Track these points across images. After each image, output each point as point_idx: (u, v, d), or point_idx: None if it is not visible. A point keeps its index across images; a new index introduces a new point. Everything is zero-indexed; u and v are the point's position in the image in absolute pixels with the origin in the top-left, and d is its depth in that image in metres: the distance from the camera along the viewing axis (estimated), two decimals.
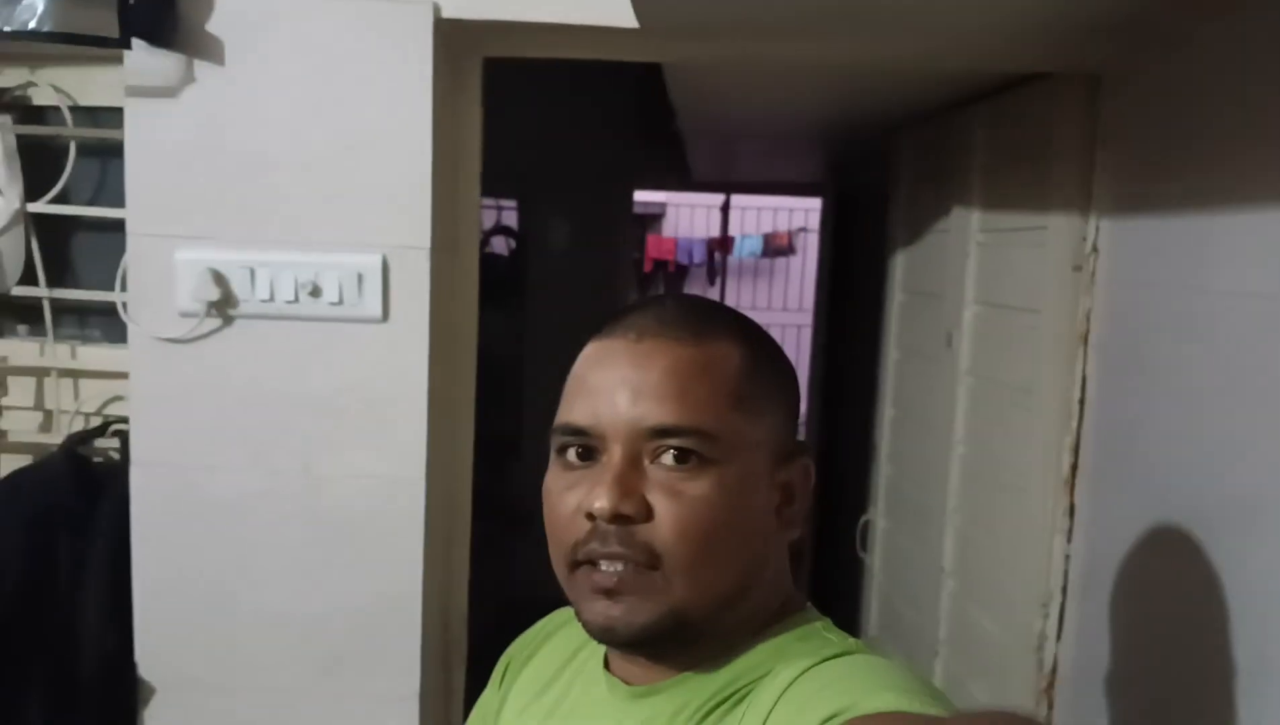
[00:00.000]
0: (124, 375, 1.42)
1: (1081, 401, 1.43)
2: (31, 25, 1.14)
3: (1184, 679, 1.15)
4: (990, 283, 1.73)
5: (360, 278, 1.33)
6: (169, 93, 1.30)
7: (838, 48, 1.39)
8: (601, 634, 0.74)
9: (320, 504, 1.39)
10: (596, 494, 0.71)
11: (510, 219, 3.92)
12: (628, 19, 1.26)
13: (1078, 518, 1.44)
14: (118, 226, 1.38)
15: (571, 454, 0.75)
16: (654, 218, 8.30)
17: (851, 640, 0.76)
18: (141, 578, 1.40)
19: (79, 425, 1.55)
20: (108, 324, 1.57)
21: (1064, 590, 1.47)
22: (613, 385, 0.73)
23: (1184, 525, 1.16)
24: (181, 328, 1.35)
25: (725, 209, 5.92)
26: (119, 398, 1.55)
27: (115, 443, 1.52)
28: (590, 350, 0.77)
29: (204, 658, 1.42)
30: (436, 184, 1.34)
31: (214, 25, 1.28)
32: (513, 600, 1.68)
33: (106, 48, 1.19)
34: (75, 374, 1.56)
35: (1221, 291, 1.11)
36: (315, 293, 1.33)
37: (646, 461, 0.72)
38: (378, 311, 1.34)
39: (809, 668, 0.69)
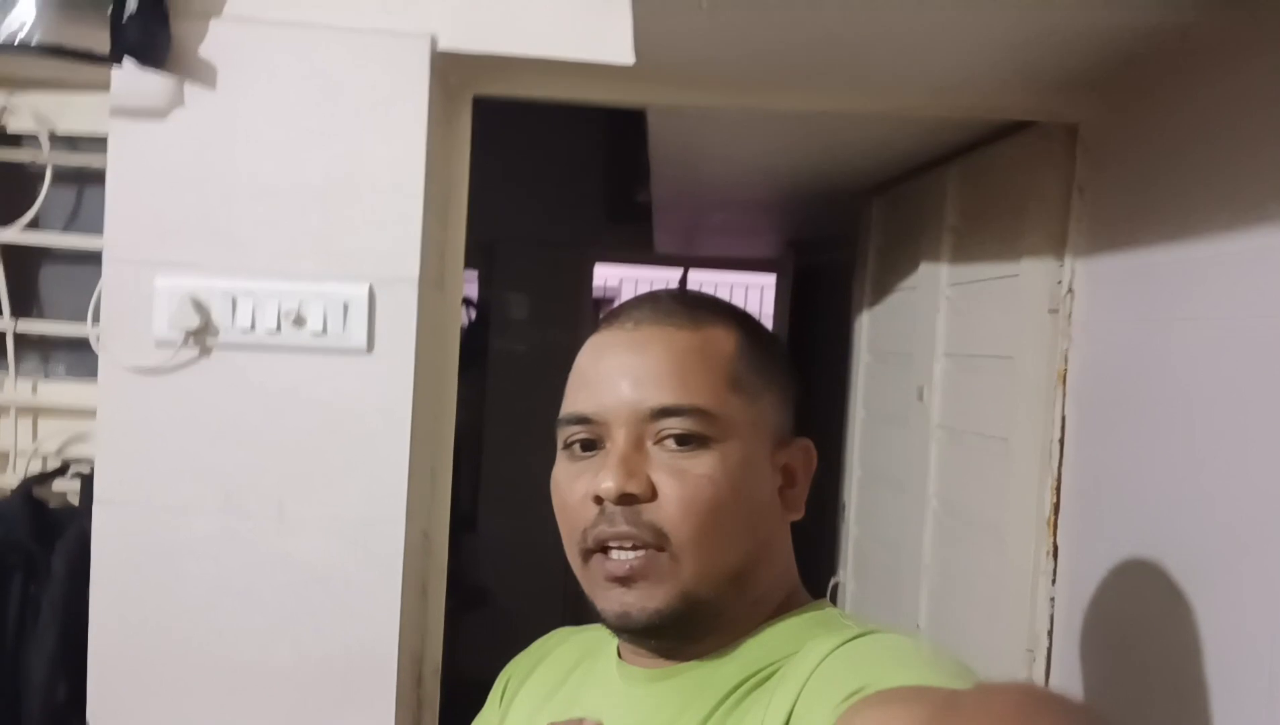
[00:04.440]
0: (87, 413, 1.37)
1: (1061, 441, 1.45)
2: (21, 37, 1.12)
3: (1172, 716, 1.14)
4: (960, 335, 1.76)
5: (346, 308, 1.31)
6: (157, 115, 1.28)
7: (824, 98, 1.43)
8: (617, 621, 0.74)
9: (294, 547, 1.33)
10: (602, 477, 0.73)
11: (469, 290, 3.92)
12: (623, 56, 1.29)
13: (1061, 559, 1.44)
14: (89, 258, 1.34)
15: (577, 445, 0.77)
16: (611, 301, 8.36)
17: (873, 624, 0.75)
18: (98, 625, 1.32)
19: (37, 467, 1.48)
20: (72, 359, 1.51)
21: (1050, 634, 1.46)
22: (613, 373, 0.76)
23: (1168, 563, 1.16)
24: (156, 358, 1.31)
25: (683, 283, 6.01)
26: (80, 438, 1.48)
27: (75, 485, 1.45)
28: (590, 344, 0.81)
29: (163, 712, 1.33)
30: (427, 217, 1.33)
31: (207, 48, 1.28)
32: (461, 679, 1.62)
33: (97, 64, 1.17)
34: (36, 411, 1.49)
35: (1199, 318, 1.13)
36: (299, 322, 1.30)
37: (650, 444, 0.74)
38: (363, 342, 1.32)
39: (839, 645, 0.69)
